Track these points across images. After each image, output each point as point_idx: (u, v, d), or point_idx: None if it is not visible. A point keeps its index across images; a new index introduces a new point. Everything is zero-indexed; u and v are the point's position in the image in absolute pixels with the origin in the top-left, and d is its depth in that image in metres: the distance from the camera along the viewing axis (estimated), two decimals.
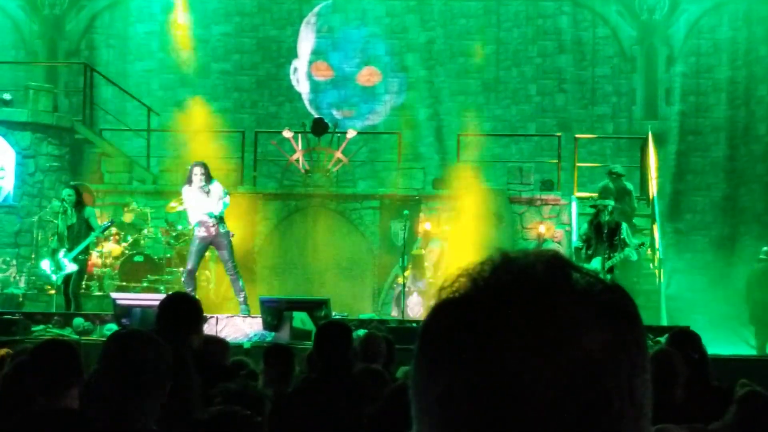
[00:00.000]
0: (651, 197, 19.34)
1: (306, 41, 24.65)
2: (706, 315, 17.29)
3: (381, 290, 19.07)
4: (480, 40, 24.20)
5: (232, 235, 15.83)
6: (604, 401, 1.06)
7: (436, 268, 18.39)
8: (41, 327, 14.24)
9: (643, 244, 16.02)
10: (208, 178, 15.31)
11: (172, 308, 5.74)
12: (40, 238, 19.07)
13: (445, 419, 1.08)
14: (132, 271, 17.86)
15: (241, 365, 7.23)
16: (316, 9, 24.63)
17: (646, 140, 20.44)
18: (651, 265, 18.32)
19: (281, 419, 5.36)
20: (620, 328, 1.09)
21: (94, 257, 17.45)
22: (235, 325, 14.45)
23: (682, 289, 19.50)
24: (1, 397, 4.89)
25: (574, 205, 19.17)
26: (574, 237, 17.72)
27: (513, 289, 1.09)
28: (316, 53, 24.66)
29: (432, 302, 1.15)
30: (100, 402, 3.44)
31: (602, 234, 15.30)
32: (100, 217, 16.92)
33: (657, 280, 17.87)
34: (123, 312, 13.81)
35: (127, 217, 18.74)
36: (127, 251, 18.24)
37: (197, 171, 15.27)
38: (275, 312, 13.84)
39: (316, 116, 21.14)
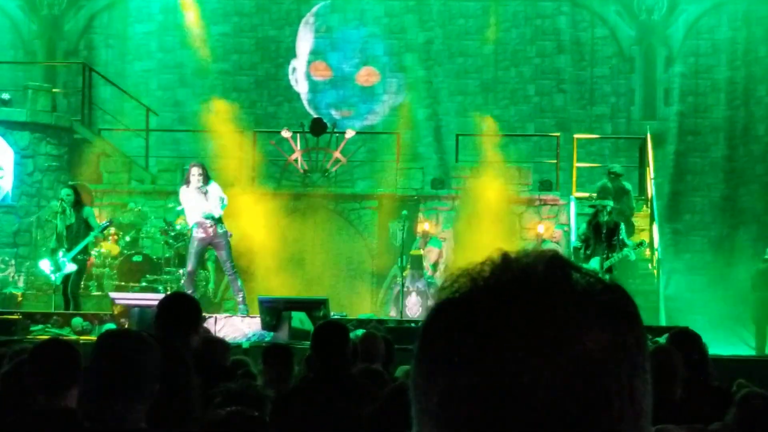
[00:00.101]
0: (650, 197, 19.35)
1: (305, 41, 24.65)
2: (705, 315, 17.29)
3: (379, 290, 19.07)
4: (478, 40, 24.21)
5: (230, 236, 15.84)
6: (604, 401, 1.06)
7: (434, 268, 18.39)
8: (40, 327, 14.24)
9: (641, 243, 16.03)
10: (206, 178, 15.31)
11: (171, 308, 5.74)
12: (38, 237, 19.07)
13: (446, 419, 1.08)
14: (131, 270, 17.86)
15: (238, 365, 7.23)
16: (315, 9, 24.62)
17: (644, 140, 20.44)
18: (650, 266, 18.33)
19: (280, 419, 5.36)
20: (620, 329, 1.09)
21: (93, 257, 17.45)
22: (234, 325, 14.45)
23: (680, 289, 19.52)
24: (1, 397, 4.90)
25: (572, 205, 19.16)
26: (573, 237, 17.72)
27: (513, 289, 1.09)
28: (315, 53, 24.66)
29: (432, 302, 1.15)
30: (89, 401, 3.44)
31: (601, 234, 15.31)
32: (98, 217, 16.92)
33: (656, 280, 17.87)
34: (122, 312, 13.82)
35: (126, 217, 18.75)
36: (125, 251, 18.25)
37: (195, 172, 15.27)
38: (274, 312, 13.84)
39: (315, 116, 21.15)
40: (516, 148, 23.45)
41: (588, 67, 24.20)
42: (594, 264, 15.01)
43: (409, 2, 24.38)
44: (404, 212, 18.14)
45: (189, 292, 14.07)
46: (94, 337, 13.62)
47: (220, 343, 6.54)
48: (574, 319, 1.07)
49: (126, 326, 13.56)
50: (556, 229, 19.08)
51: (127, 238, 18.48)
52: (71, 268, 15.51)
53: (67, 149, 20.06)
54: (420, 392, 1.11)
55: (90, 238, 15.78)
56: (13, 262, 19.36)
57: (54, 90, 21.41)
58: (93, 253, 17.16)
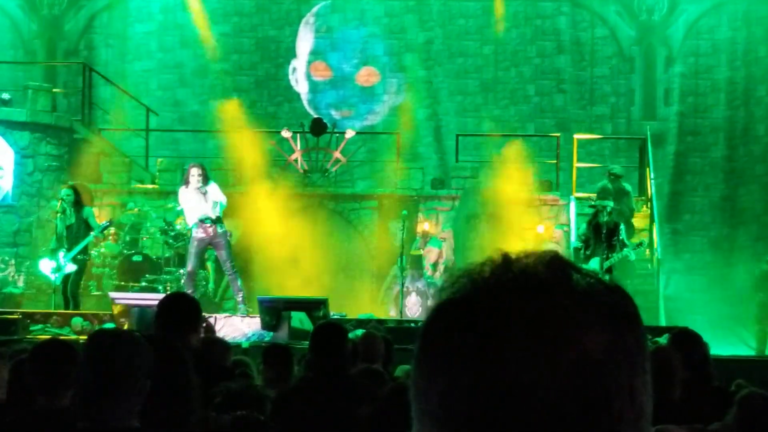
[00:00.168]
0: (649, 197, 19.35)
1: (305, 41, 24.65)
2: (705, 315, 17.29)
3: (379, 290, 19.07)
4: (478, 41, 24.21)
5: (230, 235, 15.86)
6: (604, 402, 1.07)
7: (434, 268, 18.40)
8: (40, 326, 14.26)
9: (641, 243, 16.04)
10: (205, 179, 15.33)
11: (171, 308, 5.74)
12: (38, 237, 19.08)
13: (446, 420, 1.08)
14: (130, 270, 17.87)
15: (238, 365, 7.23)
16: (315, 9, 24.63)
17: (644, 141, 20.44)
18: (649, 266, 18.33)
19: (280, 419, 5.36)
20: (621, 329, 1.10)
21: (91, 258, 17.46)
22: (234, 324, 14.46)
23: (680, 289, 19.52)
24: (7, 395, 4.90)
25: (572, 206, 19.16)
26: (573, 237, 17.72)
27: (513, 289, 1.10)
28: (315, 53, 24.66)
29: (432, 302, 1.15)
30: (81, 401, 3.45)
31: (601, 234, 15.32)
32: (98, 217, 16.92)
33: (655, 280, 17.87)
34: (121, 311, 13.83)
35: (126, 217, 18.76)
36: (125, 251, 18.25)
37: (194, 172, 15.29)
38: (273, 312, 13.84)
39: (315, 116, 21.15)
40: (516, 148, 23.47)
41: (588, 67, 24.20)
42: (594, 264, 15.02)
43: (409, 2, 24.38)
44: (404, 212, 18.14)
45: (189, 291, 14.08)
46: None
47: (221, 344, 6.54)
48: (575, 319, 1.08)
49: (126, 326, 13.57)
50: (555, 229, 19.08)
51: (127, 238, 18.49)
52: (71, 268, 15.52)
53: (67, 149, 20.05)
54: (420, 392, 1.12)
55: (90, 238, 15.79)
56: (12, 261, 19.36)
57: (54, 90, 21.41)
58: (93, 253, 17.16)
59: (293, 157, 20.02)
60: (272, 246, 19.33)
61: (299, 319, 13.54)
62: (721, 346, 13.20)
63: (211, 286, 18.35)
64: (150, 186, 20.05)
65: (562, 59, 24.15)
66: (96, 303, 17.21)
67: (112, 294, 14.97)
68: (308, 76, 24.67)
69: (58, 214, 15.70)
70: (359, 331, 11.88)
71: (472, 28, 24.29)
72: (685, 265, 21.18)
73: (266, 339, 13.62)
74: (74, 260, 15.52)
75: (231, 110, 21.34)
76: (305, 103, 24.51)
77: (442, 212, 19.59)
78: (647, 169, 19.83)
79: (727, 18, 23.75)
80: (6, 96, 20.00)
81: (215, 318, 14.34)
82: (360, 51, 24.47)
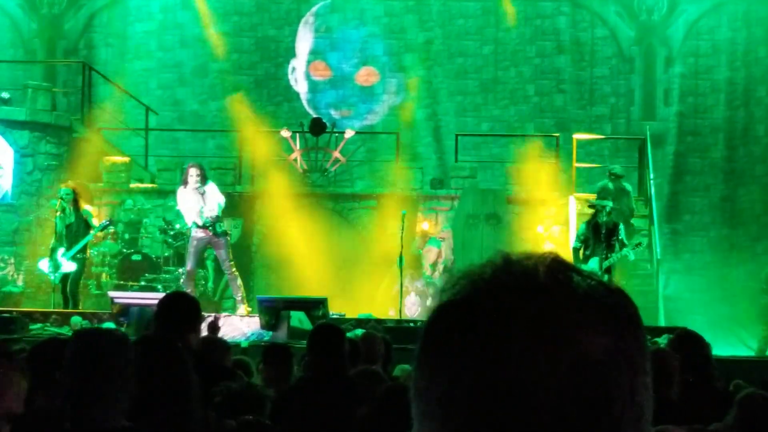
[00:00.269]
0: (649, 197, 19.35)
1: (304, 41, 24.65)
2: (704, 316, 17.30)
3: (378, 290, 19.07)
4: (478, 41, 24.22)
5: (229, 235, 15.86)
6: (604, 403, 1.07)
7: (433, 268, 18.40)
8: (39, 325, 14.25)
9: (640, 243, 16.04)
10: (204, 179, 15.35)
11: (170, 307, 5.75)
12: (38, 236, 19.08)
13: (446, 420, 1.08)
14: (130, 269, 17.88)
15: (238, 364, 7.23)
16: (315, 9, 24.62)
17: (644, 141, 20.44)
18: (649, 266, 18.33)
19: (279, 419, 5.37)
20: (621, 331, 1.10)
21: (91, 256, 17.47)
22: (233, 324, 14.46)
23: (680, 289, 19.53)
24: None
25: (572, 206, 19.17)
26: (572, 237, 17.73)
27: (514, 291, 1.10)
28: (315, 53, 24.66)
29: (433, 303, 1.15)
30: (67, 401, 3.45)
31: (600, 234, 15.33)
32: (98, 216, 16.92)
33: (655, 280, 17.88)
34: (121, 310, 13.83)
35: (126, 215, 18.78)
36: (125, 250, 18.26)
37: (193, 172, 15.30)
38: (273, 311, 13.84)
39: (314, 116, 21.15)
40: (516, 149, 23.48)
41: (588, 67, 24.20)
42: (593, 264, 15.03)
43: (409, 2, 24.38)
44: (403, 212, 18.13)
45: (188, 291, 14.09)
46: None
47: (221, 344, 6.54)
48: (575, 321, 1.08)
49: (125, 325, 13.57)
50: (555, 229, 19.08)
51: (126, 237, 18.50)
52: (70, 267, 15.52)
53: (67, 148, 20.05)
54: (420, 393, 1.12)
55: (89, 237, 15.80)
56: (12, 260, 19.37)
57: (54, 89, 21.42)
58: (92, 252, 17.17)
59: (293, 156, 20.02)
60: (271, 245, 19.35)
61: (298, 319, 13.54)
62: (720, 347, 13.20)
63: (210, 285, 18.37)
64: (149, 185, 20.05)
65: (561, 59, 24.15)
66: (95, 302, 17.22)
67: (112, 293, 14.98)
68: (308, 76, 24.66)
69: (58, 213, 15.71)
70: (358, 331, 11.89)
71: (471, 28, 24.28)
72: (685, 266, 21.18)
73: (265, 338, 13.62)
74: (73, 259, 15.53)
75: (236, 106, 21.41)
76: (305, 102, 24.51)
77: (441, 212, 19.59)
78: (647, 169, 19.83)
79: (727, 18, 23.75)
80: (6, 95, 20.00)
81: (214, 317, 14.33)
82: (359, 51, 24.46)
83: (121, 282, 17.59)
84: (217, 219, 15.39)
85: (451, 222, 19.33)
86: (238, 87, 23.87)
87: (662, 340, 12.22)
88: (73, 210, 15.53)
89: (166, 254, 17.88)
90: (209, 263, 18.13)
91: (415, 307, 17.76)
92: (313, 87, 24.61)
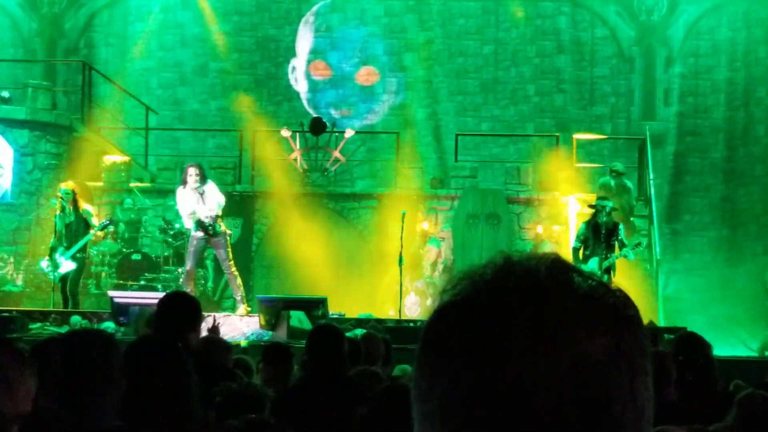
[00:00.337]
0: (649, 198, 19.36)
1: (304, 40, 24.65)
2: (704, 316, 17.31)
3: (378, 289, 19.07)
4: (478, 40, 24.22)
5: (229, 235, 15.85)
6: (605, 404, 1.07)
7: (433, 267, 18.39)
8: (38, 325, 14.24)
9: (639, 244, 16.04)
10: (203, 178, 15.34)
11: (170, 307, 5.75)
12: (38, 236, 19.08)
13: (447, 421, 1.09)
14: (129, 269, 17.88)
15: (238, 364, 7.23)
16: (315, 8, 24.61)
17: (644, 141, 20.44)
18: (648, 266, 18.33)
19: (278, 419, 5.36)
20: (622, 332, 1.10)
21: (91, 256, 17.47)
22: (233, 323, 14.46)
23: (679, 290, 19.53)
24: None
25: (572, 206, 19.17)
26: (572, 237, 17.72)
27: (515, 291, 1.10)
28: (315, 52, 24.66)
29: (434, 304, 1.15)
30: (54, 401, 3.45)
31: (600, 234, 15.32)
32: (98, 216, 16.92)
33: (654, 281, 17.88)
34: (120, 310, 13.83)
35: (126, 214, 18.78)
36: (124, 249, 18.26)
37: (192, 172, 15.29)
38: (273, 311, 13.85)
39: (315, 115, 21.14)
40: (516, 148, 23.49)
41: (588, 67, 24.19)
42: (593, 264, 15.02)
43: (409, 2, 24.37)
44: (403, 212, 18.13)
45: (188, 290, 14.08)
46: None
47: (221, 344, 6.54)
48: (576, 322, 1.08)
49: (124, 325, 13.58)
50: (555, 229, 19.08)
51: (126, 236, 18.50)
52: (70, 266, 15.52)
53: (67, 147, 20.06)
54: (421, 393, 1.12)
55: (89, 237, 15.79)
56: (11, 259, 19.36)
57: (54, 88, 21.42)
58: (92, 251, 17.16)
59: (293, 156, 20.02)
60: (271, 245, 19.35)
61: (298, 319, 13.54)
62: (719, 347, 13.19)
63: (209, 284, 18.37)
64: (149, 184, 20.05)
65: (562, 59, 24.14)
66: (95, 301, 17.22)
67: (111, 292, 14.98)
68: (308, 76, 24.66)
69: (57, 213, 15.70)
70: (358, 331, 11.88)
71: (472, 27, 24.28)
72: (685, 266, 21.18)
73: (265, 338, 13.63)
74: (73, 259, 15.52)
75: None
76: (305, 102, 24.50)
77: (441, 212, 19.59)
78: (647, 169, 19.83)
79: (727, 19, 23.74)
80: (6, 94, 20.00)
81: (214, 317, 14.33)
82: (360, 50, 24.46)
83: (121, 281, 17.59)
84: (217, 218, 15.38)
85: (451, 222, 19.33)
86: (239, 86, 23.88)
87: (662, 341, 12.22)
88: (73, 209, 15.53)
89: (166, 254, 17.88)
90: (209, 263, 18.13)
91: (415, 307, 17.76)
92: (314, 86, 24.61)
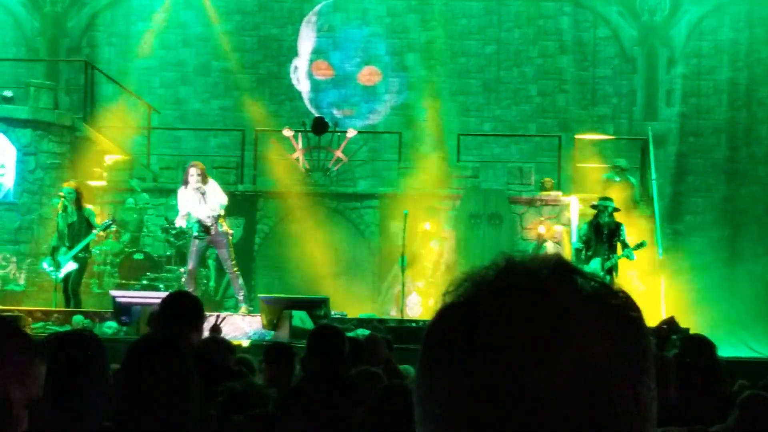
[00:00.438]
0: (651, 198, 19.36)
1: (307, 40, 24.64)
2: (706, 317, 17.29)
3: (380, 289, 19.08)
4: (481, 40, 24.22)
5: (231, 234, 15.86)
6: (608, 407, 1.07)
7: (435, 267, 18.39)
8: (41, 324, 14.26)
9: (642, 244, 16.03)
10: (204, 178, 15.35)
11: (172, 306, 5.75)
12: (40, 235, 19.08)
13: (449, 422, 1.08)
14: (132, 268, 17.88)
15: (240, 363, 7.23)
16: (317, 8, 24.61)
17: (646, 141, 20.44)
18: (650, 267, 18.32)
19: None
20: (625, 334, 1.10)
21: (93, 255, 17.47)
22: (235, 323, 14.47)
23: (681, 290, 19.50)
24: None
25: (573, 206, 19.17)
26: (574, 238, 17.72)
27: (518, 293, 1.10)
28: (317, 52, 24.65)
29: (436, 305, 1.15)
30: (44, 402, 3.46)
31: (602, 235, 15.33)
32: (100, 215, 16.93)
33: (656, 281, 17.87)
34: (122, 309, 13.84)
35: (128, 214, 18.78)
36: (126, 249, 18.26)
37: (193, 172, 15.30)
38: (275, 311, 13.86)
39: (317, 115, 21.14)
40: (517, 149, 23.49)
41: (590, 67, 24.18)
42: (595, 265, 15.02)
43: (412, 2, 24.37)
44: (405, 212, 18.14)
45: (190, 290, 14.08)
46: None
47: (224, 344, 6.54)
48: (579, 324, 1.08)
49: (126, 324, 13.59)
50: (556, 229, 19.08)
51: (128, 236, 18.50)
52: (72, 266, 15.52)
53: (69, 147, 20.06)
54: (424, 395, 1.12)
55: (91, 237, 15.80)
56: (14, 259, 19.37)
57: (56, 87, 21.42)
58: (94, 250, 17.16)
59: (295, 156, 20.02)
60: (273, 245, 19.36)
61: (300, 318, 13.55)
62: (721, 348, 13.19)
63: (212, 284, 18.37)
64: (151, 184, 20.05)
65: (564, 59, 24.13)
66: (97, 301, 17.21)
67: (113, 292, 14.98)
68: (310, 75, 24.66)
69: (60, 212, 15.71)
70: (360, 331, 11.89)
71: (474, 28, 24.27)
72: (686, 266, 21.15)
73: (267, 338, 13.64)
74: (75, 258, 15.53)
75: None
76: (307, 102, 24.50)
77: (443, 212, 19.58)
78: (649, 169, 19.84)
79: (730, 19, 23.73)
80: (8, 93, 20.00)
81: (217, 316, 14.33)
82: (362, 50, 24.46)
83: (123, 281, 17.59)
84: (219, 218, 15.39)
85: (453, 222, 19.33)
86: (241, 86, 23.89)
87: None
88: (75, 209, 15.53)
89: (168, 253, 17.88)
90: (211, 262, 18.13)
91: (417, 307, 17.76)
92: (316, 86, 24.61)
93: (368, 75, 24.52)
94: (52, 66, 24.00)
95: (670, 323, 6.89)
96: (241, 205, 19.19)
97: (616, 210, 15.85)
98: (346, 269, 19.31)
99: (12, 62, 23.41)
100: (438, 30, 24.31)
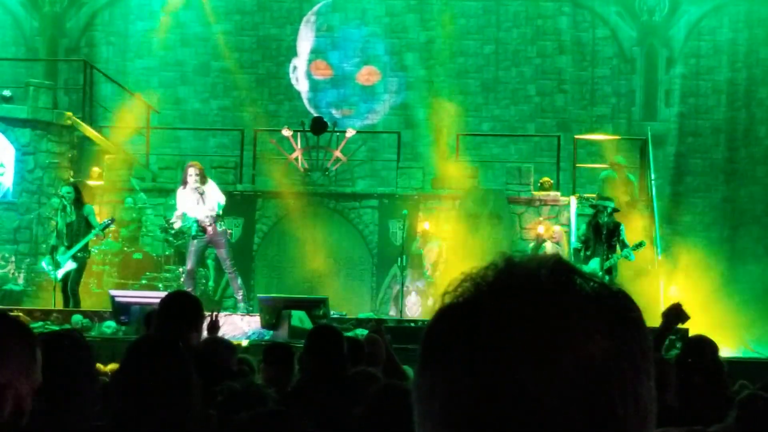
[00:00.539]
0: (650, 198, 19.36)
1: (306, 40, 24.64)
2: (705, 317, 17.27)
3: (379, 289, 19.08)
4: (479, 40, 24.22)
5: (230, 234, 15.86)
6: (608, 408, 1.07)
7: (434, 267, 18.39)
8: (40, 324, 14.24)
9: (641, 244, 16.03)
10: (203, 178, 15.35)
11: (172, 306, 5.75)
12: (39, 235, 19.07)
13: (449, 423, 1.08)
14: (131, 268, 17.88)
15: (238, 362, 7.22)
16: (316, 8, 24.61)
17: (645, 141, 20.44)
18: (649, 267, 18.32)
19: None
20: (625, 335, 1.10)
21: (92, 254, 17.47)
22: (234, 323, 14.46)
23: (680, 290, 19.50)
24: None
25: (573, 206, 19.17)
26: (573, 238, 17.73)
27: (517, 294, 1.10)
28: (316, 52, 24.65)
29: (435, 305, 1.15)
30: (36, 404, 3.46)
31: (601, 235, 15.32)
32: (99, 215, 16.93)
33: (655, 281, 17.87)
34: (121, 309, 13.84)
35: (128, 214, 18.78)
36: (126, 248, 18.26)
37: (192, 172, 15.30)
38: (273, 310, 13.86)
39: (316, 115, 21.13)
40: (516, 149, 23.49)
41: (589, 67, 24.18)
42: (594, 265, 15.02)
43: (411, 1, 24.37)
44: (404, 211, 18.15)
45: (188, 290, 14.08)
46: (93, 335, 13.64)
47: (225, 345, 6.53)
48: (579, 324, 1.08)
49: (125, 324, 13.58)
50: (555, 228, 19.08)
51: (127, 235, 18.50)
52: (71, 265, 15.52)
53: (68, 146, 20.06)
54: (423, 395, 1.12)
55: (91, 236, 15.79)
56: (13, 258, 19.36)
57: (55, 87, 21.42)
58: (93, 250, 17.16)
59: (294, 155, 20.01)
60: (272, 244, 19.35)
61: (299, 318, 13.55)
62: (721, 348, 13.18)
63: (210, 284, 18.37)
64: (150, 183, 20.05)
65: (563, 59, 24.14)
66: (96, 301, 17.21)
67: (112, 292, 14.98)
68: (309, 75, 24.66)
69: (59, 212, 15.71)
70: (359, 331, 11.89)
71: (473, 27, 24.27)
72: (685, 266, 21.14)
73: (266, 338, 13.63)
74: (74, 258, 15.52)
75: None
76: (306, 101, 24.50)
77: (442, 212, 19.57)
78: (648, 170, 19.84)
79: (729, 19, 23.73)
80: (7, 93, 20.00)
81: (213, 314, 14.32)
82: (361, 50, 24.46)
83: (122, 281, 17.58)
84: (217, 218, 15.39)
85: (452, 222, 19.32)
86: (240, 86, 23.89)
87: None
88: (74, 208, 15.52)
89: (167, 253, 17.88)
90: (210, 262, 18.13)
91: (416, 307, 17.76)
92: (315, 86, 24.61)
93: (367, 75, 24.53)
94: (51, 65, 24.00)
95: (677, 311, 6.55)
96: (240, 205, 19.19)
97: (616, 210, 15.85)
98: (345, 269, 19.31)
99: (11, 62, 23.40)
100: (437, 30, 24.31)
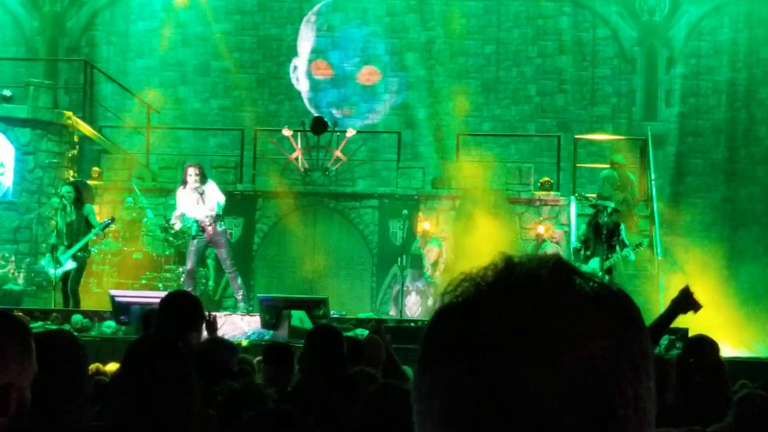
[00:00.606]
0: (650, 198, 19.37)
1: (306, 40, 24.65)
2: (705, 317, 17.25)
3: (379, 289, 19.08)
4: (480, 40, 24.22)
5: (230, 234, 15.86)
6: (608, 408, 1.06)
7: (434, 267, 18.39)
8: (40, 324, 14.24)
9: (641, 244, 16.03)
10: (203, 178, 15.36)
11: (171, 306, 5.75)
12: (39, 234, 19.07)
13: (448, 423, 1.08)
14: (130, 268, 17.88)
15: (239, 362, 7.22)
16: (317, 7, 24.62)
17: (645, 141, 20.44)
18: (649, 267, 18.33)
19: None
20: (624, 335, 1.10)
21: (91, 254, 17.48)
22: (234, 323, 14.47)
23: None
24: None
25: (573, 206, 19.17)
26: (573, 238, 17.73)
27: (516, 294, 1.10)
28: (316, 52, 24.66)
29: (435, 305, 1.15)
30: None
31: (601, 235, 15.33)
32: (99, 215, 16.93)
33: (655, 281, 17.87)
34: (121, 309, 13.84)
35: (127, 213, 18.77)
36: (126, 248, 18.26)
37: (191, 172, 15.31)
38: (273, 310, 13.86)
39: (316, 115, 21.13)
40: (517, 148, 23.49)
41: (589, 67, 24.19)
42: (594, 265, 15.02)
43: (411, 1, 24.37)
44: (404, 211, 18.16)
45: (188, 290, 14.09)
46: (93, 335, 13.65)
47: (226, 345, 6.53)
48: (578, 324, 1.08)
49: (125, 324, 13.58)
50: (556, 229, 19.08)
51: (127, 235, 18.50)
52: (71, 265, 15.52)
53: (68, 146, 20.06)
54: (422, 395, 1.12)
55: (90, 236, 15.80)
56: (13, 258, 19.36)
57: (55, 87, 21.42)
58: (93, 250, 17.17)
59: (294, 155, 20.01)
60: (272, 244, 19.35)
61: (299, 318, 13.55)
62: (721, 348, 13.18)
63: (210, 284, 18.37)
64: (151, 183, 20.05)
65: (563, 59, 24.14)
66: (96, 300, 17.21)
67: (112, 291, 14.98)
68: (309, 75, 24.66)
69: (59, 211, 15.71)
70: (359, 330, 11.89)
71: (473, 27, 24.27)
72: (685, 266, 21.14)
73: (266, 337, 13.64)
74: (74, 257, 15.52)
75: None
76: (306, 101, 24.50)
77: (442, 212, 19.58)
78: (648, 170, 19.84)
79: (729, 19, 23.73)
80: (7, 93, 20.00)
81: (210, 315, 14.32)
82: (361, 50, 24.46)
83: (122, 280, 17.59)
84: (217, 218, 15.39)
85: (452, 222, 19.33)
86: (240, 86, 23.89)
87: (663, 341, 12.22)
88: (74, 208, 15.53)
89: (167, 253, 17.88)
90: (210, 262, 18.13)
91: (416, 307, 17.76)
92: (315, 86, 24.61)
93: (367, 75, 24.53)
94: (51, 65, 24.00)
95: (689, 298, 6.09)
96: (240, 204, 19.20)
97: (616, 210, 15.85)
98: (344, 269, 19.31)
99: (11, 61, 23.40)
100: (437, 30, 24.32)
